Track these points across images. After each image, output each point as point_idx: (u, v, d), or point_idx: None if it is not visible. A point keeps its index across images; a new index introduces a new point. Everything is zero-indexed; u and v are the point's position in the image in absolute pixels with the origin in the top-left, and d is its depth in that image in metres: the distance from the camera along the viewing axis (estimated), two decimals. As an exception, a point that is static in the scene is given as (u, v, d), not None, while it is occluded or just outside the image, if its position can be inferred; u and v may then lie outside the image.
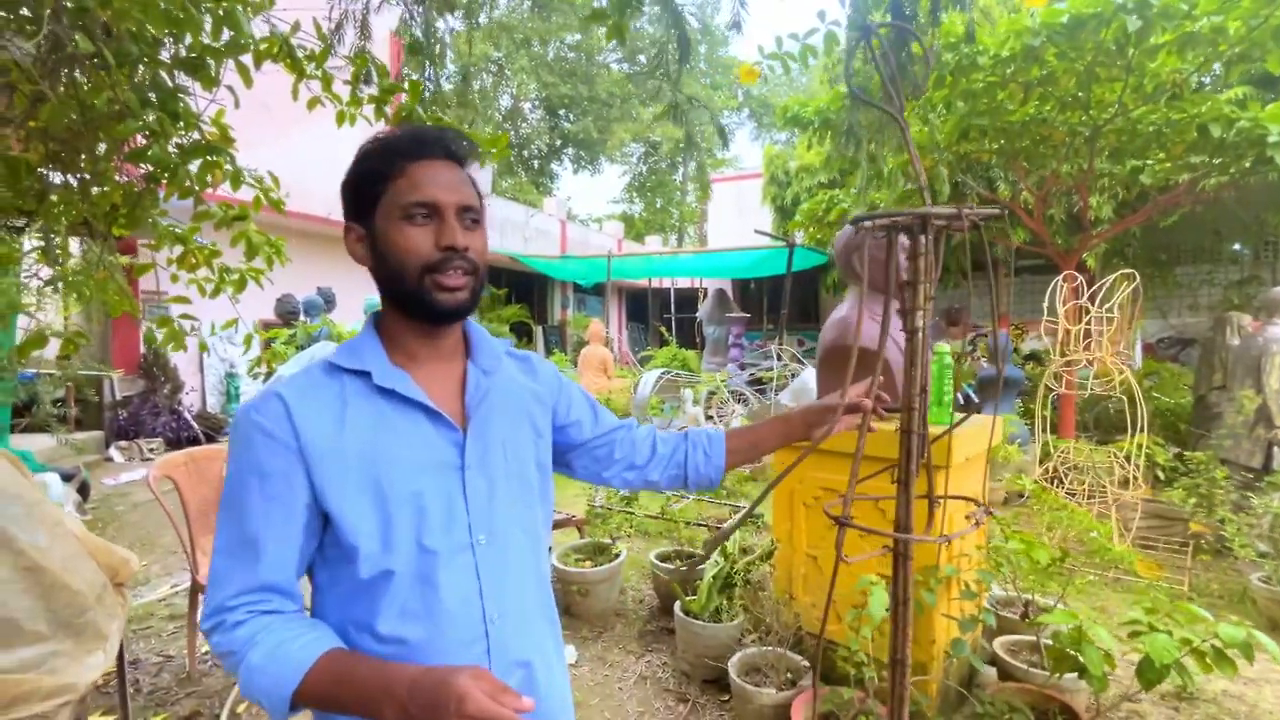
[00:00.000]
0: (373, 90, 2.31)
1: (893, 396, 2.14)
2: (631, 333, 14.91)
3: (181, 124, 1.93)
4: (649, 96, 23.09)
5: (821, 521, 2.19)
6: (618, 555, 3.00)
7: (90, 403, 6.31)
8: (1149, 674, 1.55)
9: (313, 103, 2.21)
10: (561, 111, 23.10)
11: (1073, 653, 1.70)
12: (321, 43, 2.15)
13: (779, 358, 5.62)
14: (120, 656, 1.81)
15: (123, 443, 6.28)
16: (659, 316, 13.83)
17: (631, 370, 9.18)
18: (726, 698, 2.25)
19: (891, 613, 0.99)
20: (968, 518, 0.97)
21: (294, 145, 6.21)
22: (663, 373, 5.23)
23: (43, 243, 2.28)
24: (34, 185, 2.01)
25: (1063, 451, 3.80)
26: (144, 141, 1.86)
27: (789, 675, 2.06)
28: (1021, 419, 5.11)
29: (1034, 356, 7.51)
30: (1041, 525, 2.63)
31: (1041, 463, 3.93)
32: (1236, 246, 8.57)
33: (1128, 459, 3.59)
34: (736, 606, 2.36)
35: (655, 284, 14.64)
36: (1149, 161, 5.08)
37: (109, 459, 6.04)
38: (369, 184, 0.78)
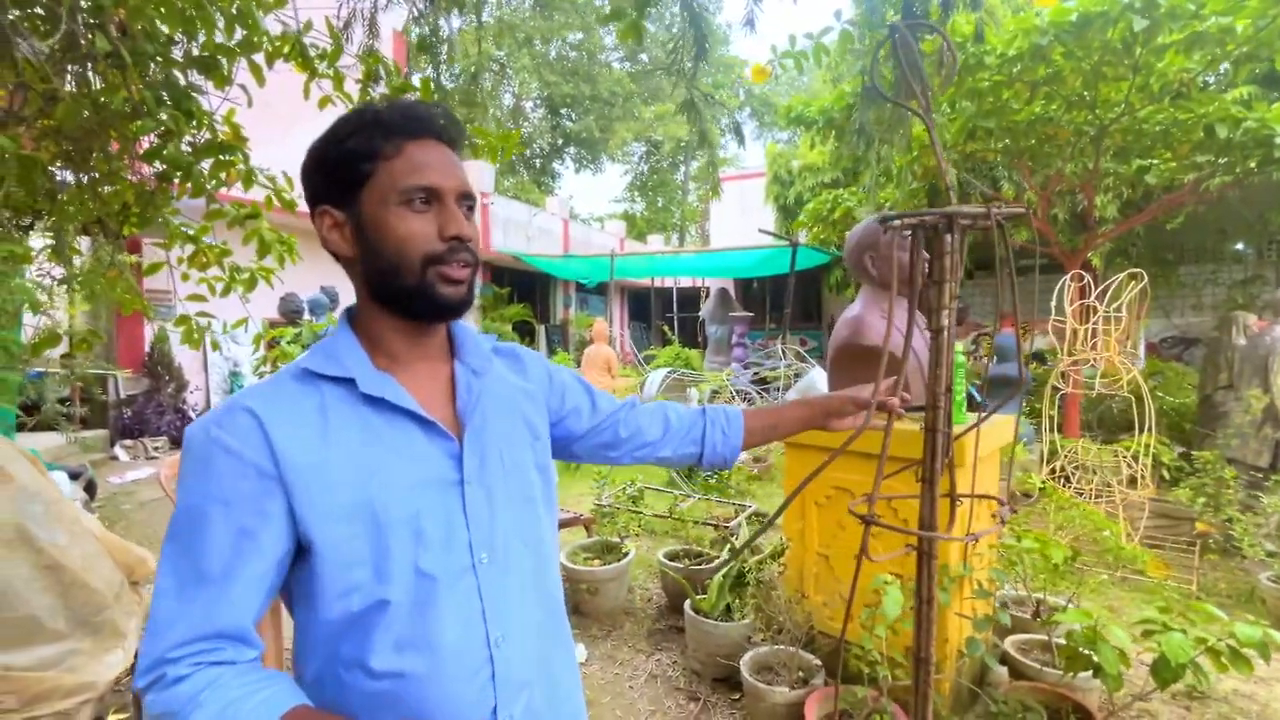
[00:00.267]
0: (383, 90, 2.31)
1: (910, 394, 2.14)
2: (634, 332, 14.91)
3: (194, 123, 1.94)
4: (651, 96, 23.10)
5: (833, 521, 2.19)
6: (626, 554, 3.00)
7: (96, 401, 6.32)
8: (1164, 673, 1.55)
9: (324, 101, 2.21)
10: (563, 110, 23.10)
11: (1087, 652, 1.70)
12: (333, 41, 2.15)
13: (784, 356, 5.62)
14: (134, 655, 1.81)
15: (128, 441, 6.29)
16: (661, 316, 13.83)
17: (636, 369, 9.18)
18: (737, 696, 2.25)
19: (915, 611, 0.99)
20: (993, 516, 0.98)
21: (297, 144, 6.22)
22: (669, 372, 5.22)
23: (53, 241, 2.28)
24: (45, 184, 2.01)
25: (1070, 451, 3.80)
26: (158, 140, 1.86)
27: (800, 674, 2.06)
28: (1027, 418, 5.11)
29: (1037, 356, 7.51)
30: (1053, 524, 2.63)
31: (1048, 462, 3.93)
32: (1240, 246, 8.56)
33: (1135, 458, 3.59)
34: (747, 605, 2.36)
35: (658, 283, 14.64)
36: (1154, 161, 5.08)
37: (114, 457, 6.04)
38: (355, 162, 0.69)
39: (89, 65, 1.80)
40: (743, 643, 2.30)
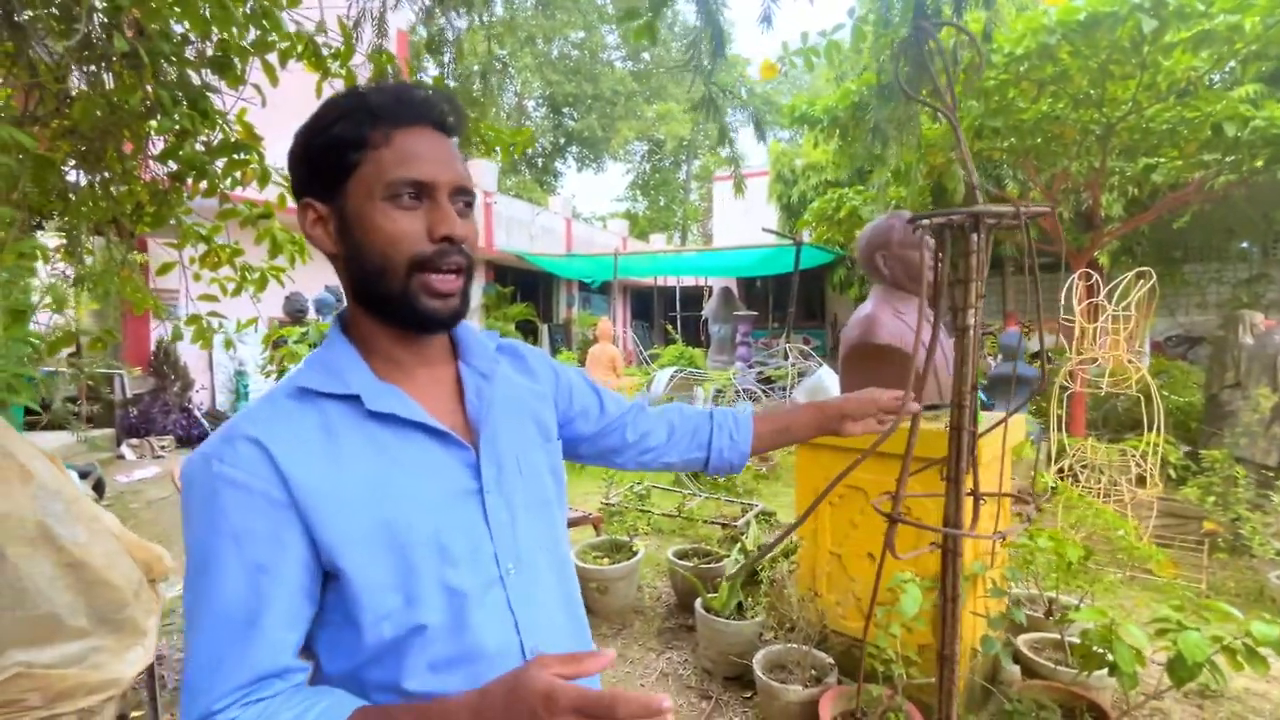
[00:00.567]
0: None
1: (922, 394, 2.14)
2: (636, 331, 14.92)
3: (208, 122, 1.94)
4: (653, 94, 23.09)
5: (845, 519, 2.19)
6: (635, 553, 3.00)
7: (104, 400, 6.34)
8: (1180, 672, 1.56)
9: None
10: (565, 109, 23.10)
11: (1101, 650, 1.70)
12: (345, 41, 2.15)
13: (787, 355, 5.62)
14: (151, 652, 1.82)
15: (134, 440, 6.31)
16: (664, 315, 13.83)
17: (641, 369, 9.18)
18: (750, 694, 2.25)
19: (940, 609, 0.99)
20: (1017, 514, 0.98)
21: (301, 143, 6.22)
22: (676, 370, 5.23)
23: (65, 240, 2.29)
24: (58, 184, 2.02)
25: (1077, 450, 3.80)
26: (173, 140, 1.87)
27: (814, 672, 2.07)
28: (1033, 417, 5.11)
29: (1042, 355, 7.49)
30: (1066, 523, 2.63)
31: (1055, 461, 3.93)
32: (1245, 244, 8.55)
33: (1143, 457, 3.59)
34: (759, 604, 2.36)
35: (660, 282, 14.64)
36: (1161, 160, 5.08)
37: (120, 456, 6.06)
38: (341, 151, 0.63)
39: (103, 65, 1.81)
40: (754, 641, 2.31)
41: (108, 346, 2.07)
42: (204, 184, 1.99)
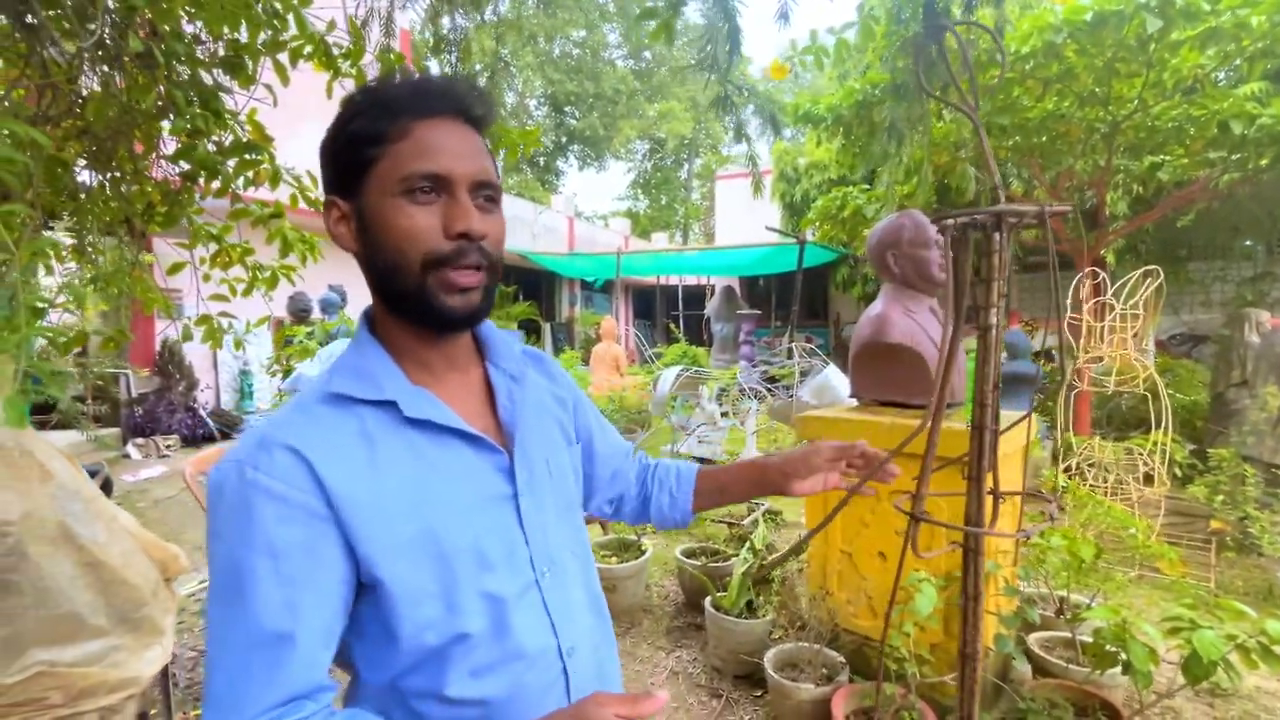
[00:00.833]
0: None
1: (927, 392, 2.13)
2: (639, 330, 14.93)
3: (219, 122, 1.95)
4: (655, 93, 23.08)
5: (856, 518, 2.19)
6: (644, 552, 3.01)
7: (111, 399, 6.36)
8: (1196, 670, 1.56)
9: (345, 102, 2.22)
10: (567, 108, 23.09)
11: (1114, 649, 1.71)
12: (355, 40, 2.16)
13: (792, 354, 5.62)
14: (165, 651, 1.83)
15: (140, 440, 6.32)
16: (667, 314, 13.83)
17: (644, 368, 9.18)
18: (760, 693, 2.26)
19: (962, 608, 0.99)
20: (1041, 513, 0.98)
21: (303, 142, 6.23)
22: (682, 370, 5.23)
23: (74, 240, 2.30)
24: (69, 184, 2.02)
25: (1084, 448, 3.80)
26: (185, 140, 1.87)
27: (825, 671, 2.07)
28: (1039, 415, 5.11)
29: (1047, 354, 7.50)
30: (1077, 521, 2.63)
31: (1062, 460, 3.93)
32: (1249, 242, 8.53)
33: (1150, 456, 3.59)
34: (770, 603, 2.37)
35: (663, 281, 14.63)
36: (1166, 158, 5.07)
37: (126, 456, 6.07)
38: (360, 146, 0.61)
39: (116, 66, 1.81)
40: (765, 639, 2.31)
41: (120, 346, 2.08)
42: (216, 184, 2.00)
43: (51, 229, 2.50)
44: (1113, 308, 3.70)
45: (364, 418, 0.62)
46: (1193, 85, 4.36)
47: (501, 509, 0.67)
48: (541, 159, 23.69)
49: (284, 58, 2.01)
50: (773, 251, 9.89)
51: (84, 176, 2.11)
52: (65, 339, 1.93)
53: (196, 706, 2.22)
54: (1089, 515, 2.50)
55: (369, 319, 0.69)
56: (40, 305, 1.77)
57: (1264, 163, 4.43)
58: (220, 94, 1.90)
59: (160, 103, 1.82)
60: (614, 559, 3.02)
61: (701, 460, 4.91)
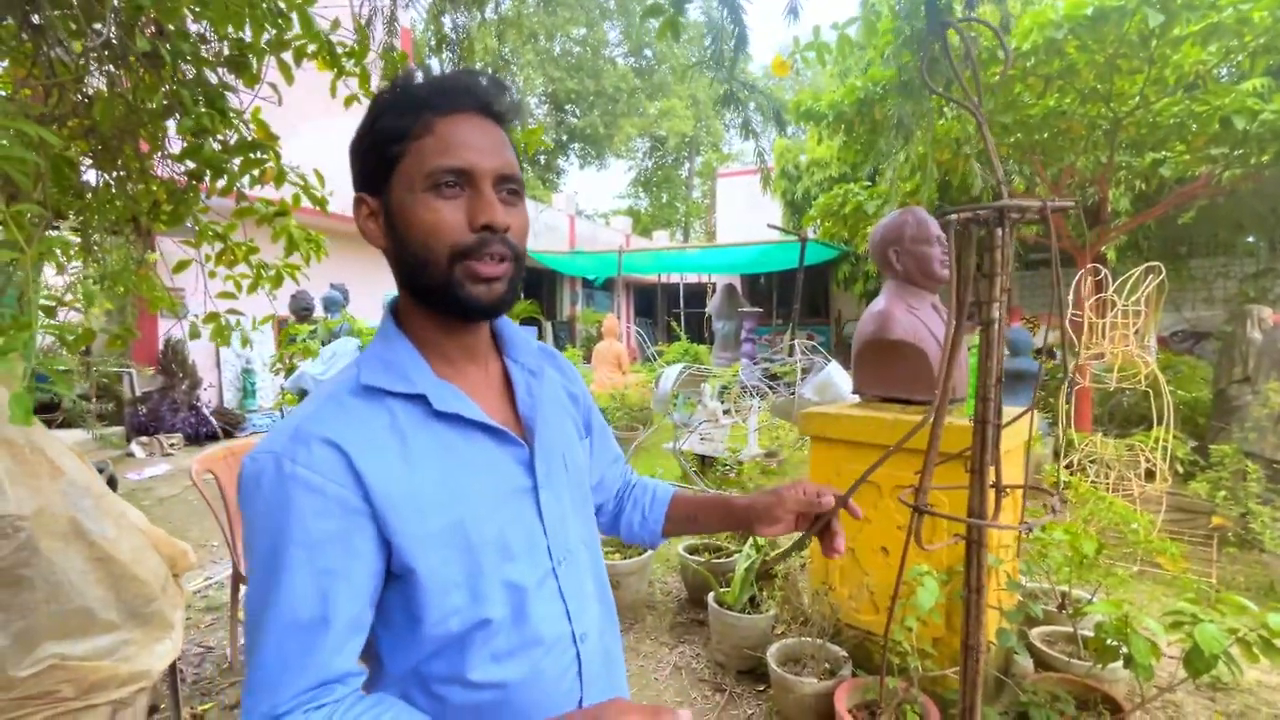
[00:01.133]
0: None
1: (930, 388, 2.14)
2: (640, 328, 14.94)
3: (224, 121, 1.96)
4: (655, 91, 23.05)
5: (858, 514, 2.20)
6: (647, 548, 3.02)
7: (116, 397, 6.38)
8: (1197, 664, 1.57)
9: (349, 100, 2.23)
10: (568, 106, 23.08)
11: (1116, 643, 1.72)
12: (359, 39, 2.16)
13: (792, 352, 5.63)
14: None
15: (143, 438, 6.34)
16: (668, 312, 13.83)
17: (646, 365, 9.19)
18: (763, 688, 2.27)
19: (965, 601, 1.00)
20: (1044, 506, 0.99)
21: (305, 141, 6.24)
22: (684, 367, 5.24)
23: (80, 239, 2.31)
24: (75, 183, 2.04)
25: (1087, 444, 3.81)
26: (191, 139, 1.88)
27: (827, 665, 2.08)
28: (1040, 412, 5.11)
29: (1049, 351, 7.50)
30: (1079, 517, 2.64)
31: (1064, 456, 3.94)
32: (1252, 239, 8.52)
33: (1152, 452, 3.60)
34: (772, 598, 2.38)
35: (664, 279, 14.63)
36: (1168, 154, 5.06)
37: (130, 454, 6.09)
38: (386, 144, 0.63)
39: (121, 65, 1.82)
40: (767, 634, 2.32)
41: (126, 344, 2.10)
42: (221, 183, 2.01)
43: (58, 228, 2.52)
44: (1114, 304, 3.70)
45: (394, 410, 0.64)
46: (1194, 81, 4.36)
47: (522, 501, 0.69)
48: (542, 157, 23.68)
49: (288, 56, 2.01)
50: (774, 249, 9.90)
51: (90, 175, 2.12)
52: (73, 336, 1.95)
53: (204, 702, 2.24)
54: (1090, 511, 2.51)
55: (394, 312, 0.71)
56: (49, 304, 1.79)
57: (1266, 158, 4.43)
58: (225, 93, 1.91)
59: (166, 102, 1.83)
60: (618, 555, 3.04)
61: (704, 458, 4.92)
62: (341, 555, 0.58)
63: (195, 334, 2.19)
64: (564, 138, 23.71)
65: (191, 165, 1.98)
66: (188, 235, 2.25)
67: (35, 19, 1.68)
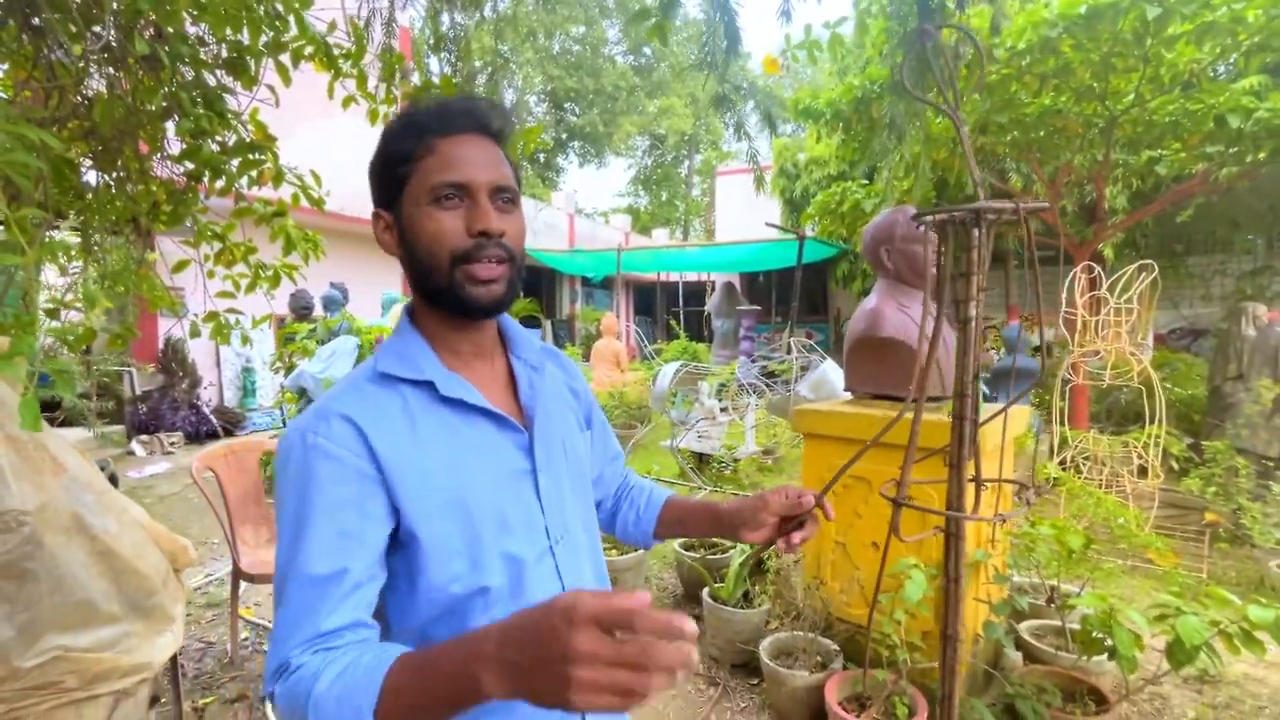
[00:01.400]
0: (400, 89, 2.34)
1: (926, 387, 2.17)
2: (639, 326, 14.96)
3: (222, 123, 1.98)
4: (655, 89, 23.04)
5: (849, 509, 2.23)
6: (643, 544, 3.05)
7: (117, 396, 6.41)
8: (1179, 655, 1.59)
9: (347, 101, 2.25)
10: (567, 105, 23.07)
11: (1101, 635, 1.74)
12: (356, 41, 2.19)
13: (790, 349, 5.66)
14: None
15: (144, 437, 6.37)
16: (667, 310, 13.85)
17: (645, 364, 9.21)
18: (756, 681, 2.30)
19: (944, 590, 1.03)
20: (1017, 497, 1.02)
21: (302, 142, 6.26)
22: (681, 365, 5.27)
23: (81, 239, 2.33)
24: (75, 184, 2.06)
25: (1079, 442, 3.84)
26: (190, 140, 1.91)
27: (819, 658, 2.11)
28: (1035, 409, 5.14)
29: (1046, 348, 7.51)
30: (1068, 512, 2.67)
31: (1057, 453, 3.96)
32: (1250, 236, 8.53)
33: (1145, 449, 3.62)
34: (765, 593, 2.41)
35: (663, 277, 14.65)
36: (1164, 152, 5.08)
37: (131, 453, 6.13)
38: (395, 165, 0.71)
39: (121, 67, 1.85)
40: (761, 629, 2.35)
41: (127, 344, 2.12)
42: (220, 183, 2.03)
43: (58, 228, 2.54)
44: (1107, 302, 3.72)
45: (406, 396, 0.71)
46: (1189, 80, 4.37)
47: (521, 483, 0.75)
48: (542, 155, 23.68)
49: (286, 59, 2.04)
50: (773, 247, 9.91)
51: (90, 176, 2.14)
52: (74, 336, 1.98)
53: (205, 696, 2.27)
54: (1080, 506, 2.53)
55: (410, 313, 0.79)
56: (52, 306, 1.81)
57: (1262, 156, 4.44)
58: (224, 95, 1.94)
59: (165, 104, 1.86)
60: (614, 551, 3.07)
61: (701, 456, 4.95)
62: (356, 517, 0.65)
63: (195, 333, 2.22)
64: (563, 136, 23.70)
65: (190, 166, 2.00)
66: (187, 235, 2.28)
67: (35, 21, 1.70)
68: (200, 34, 1.92)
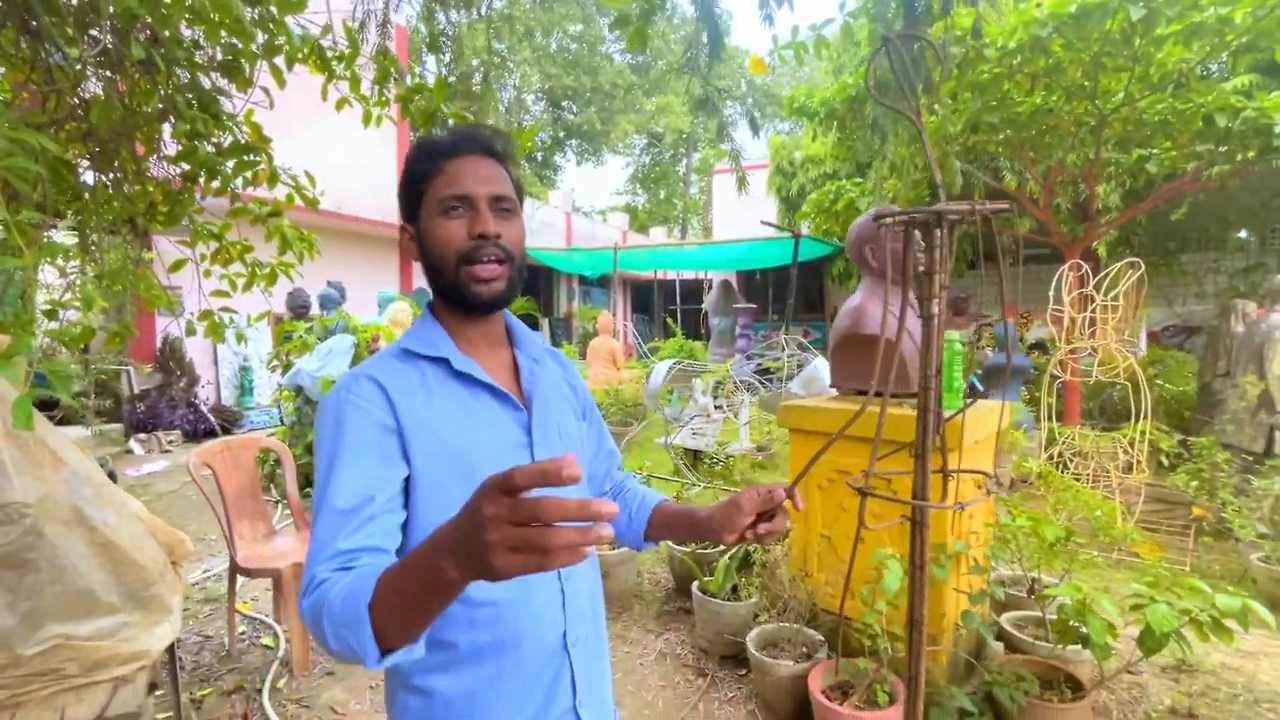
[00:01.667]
0: (394, 91, 2.38)
1: (905, 383, 2.21)
2: (636, 324, 15.00)
3: (218, 125, 2.02)
4: (652, 88, 23.05)
5: (834, 503, 2.27)
6: (635, 539, 3.10)
7: (115, 394, 6.44)
8: (1149, 642, 1.64)
9: (341, 103, 2.29)
10: (564, 103, 23.07)
11: (1076, 624, 1.79)
12: (350, 44, 2.22)
13: (784, 347, 5.70)
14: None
15: (142, 435, 6.41)
16: (664, 308, 13.88)
17: (641, 362, 9.25)
18: (744, 672, 2.35)
19: (910, 576, 1.07)
20: (979, 487, 1.06)
21: (298, 143, 6.29)
22: (675, 362, 5.31)
23: (78, 239, 2.37)
24: (73, 185, 2.10)
25: (1067, 438, 3.88)
26: (185, 142, 1.94)
27: (804, 649, 2.16)
28: (1027, 406, 5.19)
29: (1039, 345, 7.57)
30: (1049, 506, 2.71)
31: (1046, 449, 4.01)
32: (1242, 234, 8.58)
33: (1131, 445, 3.67)
34: (753, 586, 2.45)
35: (660, 276, 14.68)
36: (1155, 150, 5.12)
37: (129, 451, 6.16)
38: (413, 185, 0.84)
39: (117, 71, 1.88)
40: (749, 621, 2.40)
41: (124, 342, 2.16)
42: (215, 184, 2.07)
43: (55, 228, 2.58)
44: (1094, 299, 3.77)
45: (424, 370, 0.83)
46: (1179, 79, 4.41)
47: (520, 454, 0.84)
48: (539, 154, 23.68)
49: (280, 61, 2.07)
50: (770, 245, 9.95)
51: (88, 177, 2.18)
52: (72, 336, 2.02)
53: (203, 687, 2.31)
54: (1059, 499, 2.58)
55: (431, 307, 0.90)
56: (50, 307, 1.85)
57: (1252, 154, 4.48)
58: (219, 97, 1.97)
59: (161, 106, 1.89)
60: (606, 546, 3.11)
61: (695, 453, 4.99)
62: (378, 459, 0.76)
63: (191, 331, 2.25)
64: (561, 134, 23.70)
65: (186, 167, 2.04)
66: (183, 235, 2.31)
67: (33, 26, 1.74)
68: (195, 38, 1.95)
